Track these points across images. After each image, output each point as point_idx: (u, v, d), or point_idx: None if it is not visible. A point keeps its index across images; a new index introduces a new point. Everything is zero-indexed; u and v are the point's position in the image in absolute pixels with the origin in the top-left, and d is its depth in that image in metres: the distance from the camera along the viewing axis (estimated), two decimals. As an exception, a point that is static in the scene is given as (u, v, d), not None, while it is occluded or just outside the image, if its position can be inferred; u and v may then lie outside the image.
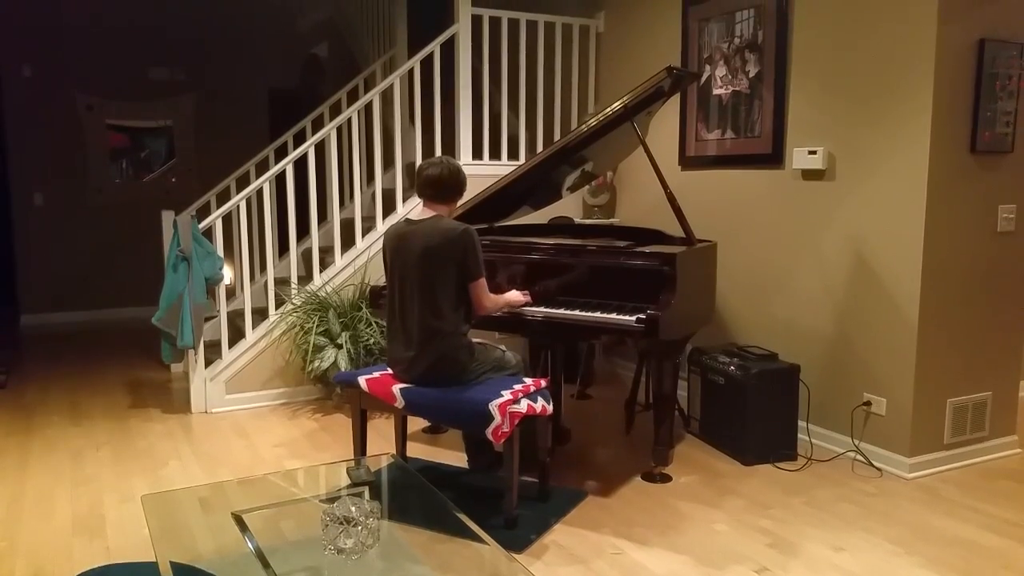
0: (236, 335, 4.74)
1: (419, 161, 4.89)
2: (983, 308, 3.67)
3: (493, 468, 3.50)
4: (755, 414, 3.67)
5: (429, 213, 3.10)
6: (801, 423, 3.91)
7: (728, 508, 3.22)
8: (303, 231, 5.02)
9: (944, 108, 3.39)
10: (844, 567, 2.73)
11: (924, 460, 3.57)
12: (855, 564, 2.75)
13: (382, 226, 4.86)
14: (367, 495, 2.58)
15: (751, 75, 4.17)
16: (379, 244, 4.78)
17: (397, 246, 3.08)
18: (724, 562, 2.76)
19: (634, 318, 3.15)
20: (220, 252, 4.57)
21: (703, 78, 4.47)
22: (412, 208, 4.84)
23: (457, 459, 3.73)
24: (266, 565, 2.08)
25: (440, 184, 3.09)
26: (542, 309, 3.40)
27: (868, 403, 3.70)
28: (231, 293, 5.58)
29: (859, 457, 3.72)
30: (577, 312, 3.32)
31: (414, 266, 3.00)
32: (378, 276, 4.71)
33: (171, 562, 2.10)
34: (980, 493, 3.37)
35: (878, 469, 3.62)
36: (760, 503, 3.26)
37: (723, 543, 2.91)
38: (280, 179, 4.71)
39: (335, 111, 5.93)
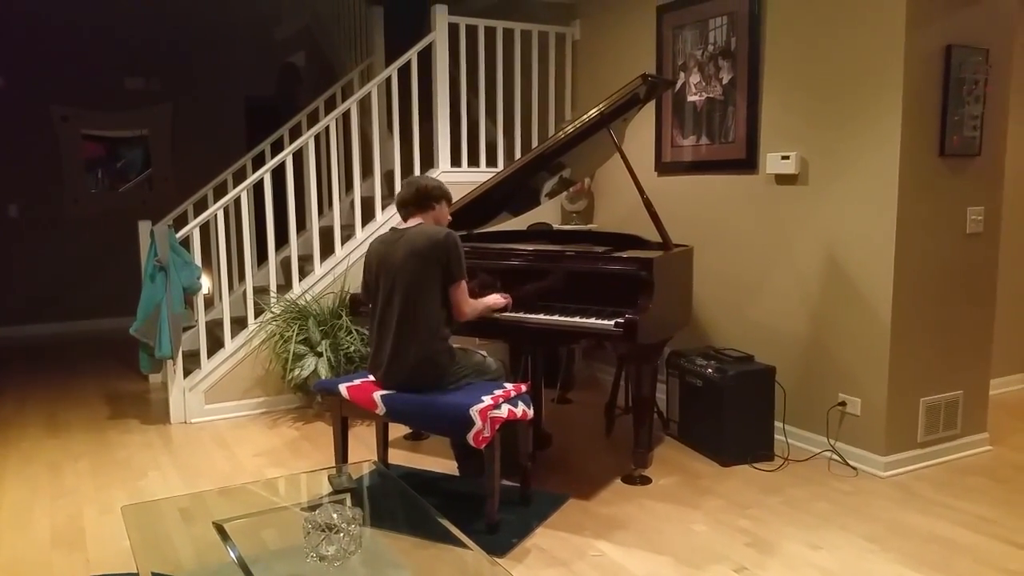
0: (215, 345, 4.72)
1: (398, 169, 4.93)
2: (954, 308, 3.74)
3: (482, 473, 3.52)
4: (732, 415, 3.71)
5: (414, 222, 3.17)
6: (778, 424, 3.96)
7: (707, 508, 3.25)
8: (282, 240, 5.01)
9: (913, 112, 3.46)
10: (821, 565, 2.77)
11: (898, 459, 3.63)
12: (832, 562, 2.79)
13: (361, 234, 4.86)
14: (349, 502, 2.58)
15: (724, 82, 4.23)
16: (358, 252, 4.79)
17: (384, 252, 3.13)
18: (703, 562, 2.80)
19: (613, 322, 3.19)
20: (198, 261, 4.55)
21: (678, 85, 4.52)
22: (391, 216, 4.86)
23: (439, 465, 3.75)
24: (248, 574, 2.08)
25: (412, 199, 3.21)
26: (522, 314, 3.43)
27: (843, 403, 3.75)
28: (209, 303, 5.56)
29: (835, 456, 3.78)
30: (556, 317, 3.35)
31: (399, 270, 3.05)
32: (357, 284, 4.71)
33: (152, 573, 2.10)
34: (953, 490, 3.43)
35: (853, 468, 3.67)
36: (738, 503, 3.30)
37: (702, 543, 2.94)
38: (258, 188, 4.70)
39: (312, 120, 5.94)
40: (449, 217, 3.35)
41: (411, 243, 3.05)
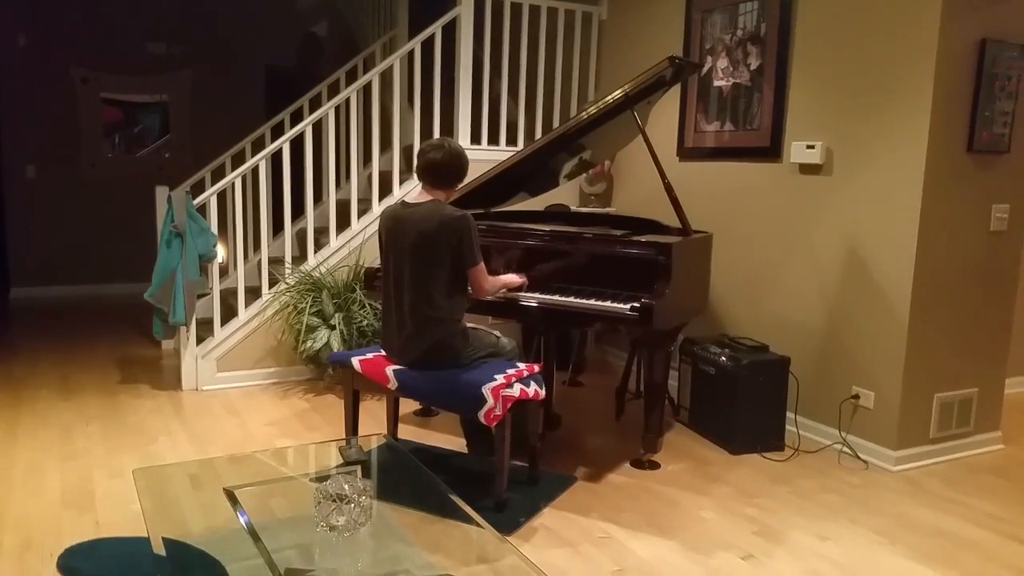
0: (228, 313, 4.73)
1: (417, 144, 4.89)
2: (973, 305, 3.70)
3: (491, 452, 3.51)
4: (744, 404, 3.70)
5: (426, 197, 3.09)
6: (789, 414, 3.94)
7: (715, 496, 3.25)
8: (298, 211, 5.00)
9: (943, 106, 3.41)
10: (829, 556, 2.76)
11: (909, 453, 3.61)
12: (839, 553, 2.79)
13: (378, 208, 4.85)
14: (359, 474, 2.58)
15: (752, 68, 4.18)
16: (374, 226, 4.78)
17: (393, 228, 3.07)
18: (710, 548, 2.79)
19: (628, 306, 3.17)
20: (214, 229, 4.55)
21: (704, 69, 4.47)
22: (409, 190, 4.84)
23: (448, 442, 3.75)
24: (257, 540, 2.09)
25: (440, 170, 3.07)
26: (537, 295, 3.41)
27: (856, 396, 3.73)
28: (224, 271, 5.56)
29: (846, 449, 3.76)
30: (572, 299, 3.34)
31: (409, 251, 3.00)
32: (373, 258, 4.70)
33: (163, 537, 2.11)
34: (964, 487, 3.41)
35: (864, 461, 3.65)
36: (747, 492, 3.30)
37: (710, 530, 2.93)
38: (276, 158, 4.69)
39: (333, 91, 5.89)
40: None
41: (421, 224, 2.97)
